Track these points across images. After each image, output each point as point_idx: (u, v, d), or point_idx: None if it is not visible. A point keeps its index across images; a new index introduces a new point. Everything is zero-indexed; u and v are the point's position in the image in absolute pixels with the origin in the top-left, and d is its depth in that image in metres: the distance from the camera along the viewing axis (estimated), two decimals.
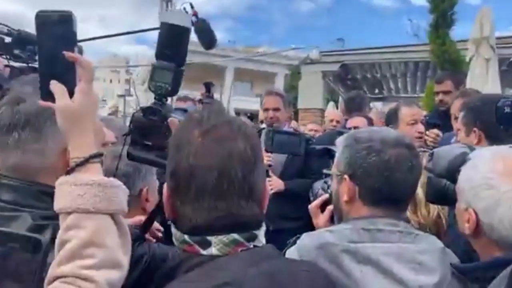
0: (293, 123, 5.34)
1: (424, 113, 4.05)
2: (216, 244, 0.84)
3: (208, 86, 6.57)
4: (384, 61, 8.92)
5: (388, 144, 1.27)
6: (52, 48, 0.91)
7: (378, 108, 9.58)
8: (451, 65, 6.25)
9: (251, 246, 0.86)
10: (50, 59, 0.92)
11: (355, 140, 1.32)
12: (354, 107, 4.00)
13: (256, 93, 24.68)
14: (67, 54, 0.91)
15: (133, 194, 1.23)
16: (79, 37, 0.96)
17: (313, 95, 8.79)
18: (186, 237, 0.86)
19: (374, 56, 8.85)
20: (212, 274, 0.79)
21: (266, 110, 3.29)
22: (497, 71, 5.97)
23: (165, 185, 0.92)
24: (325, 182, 1.69)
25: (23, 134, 0.97)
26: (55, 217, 0.86)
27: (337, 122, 4.92)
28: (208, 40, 1.81)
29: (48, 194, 0.92)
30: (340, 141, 1.39)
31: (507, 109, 1.52)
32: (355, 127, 3.24)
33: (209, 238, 0.84)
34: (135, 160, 1.17)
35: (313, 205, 1.61)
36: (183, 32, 1.15)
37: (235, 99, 23.50)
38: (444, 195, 1.36)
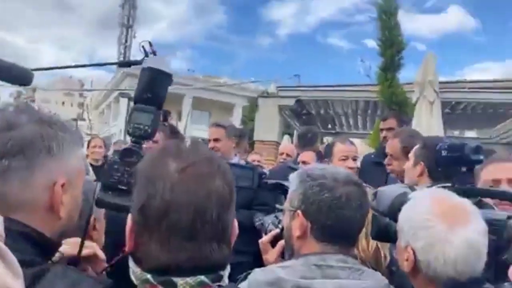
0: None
1: (356, 149, 4.20)
2: (182, 286, 0.80)
3: (165, 115, 6.55)
4: (337, 99, 9.27)
5: (339, 182, 1.33)
6: None
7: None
8: (398, 106, 6.61)
9: (216, 286, 0.83)
10: None
11: (308, 176, 1.36)
12: (306, 142, 4.13)
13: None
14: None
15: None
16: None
17: (269, 128, 8.94)
18: (149, 276, 0.80)
19: (328, 93, 9.18)
20: None
21: (209, 140, 3.42)
22: (440, 113, 6.35)
23: (129, 217, 0.87)
24: (276, 217, 1.73)
25: (13, 163, 0.89)
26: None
27: (287, 155, 4.98)
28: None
29: (26, 236, 0.86)
30: (294, 177, 1.43)
31: (444, 153, 1.62)
32: (304, 162, 3.36)
33: (174, 279, 0.80)
34: (107, 208, 1.11)
35: (264, 240, 1.62)
36: (166, 78, 1.18)
37: (193, 127, 23.37)
38: (387, 233, 1.42)
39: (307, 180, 1.36)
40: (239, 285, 1.25)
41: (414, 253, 1.21)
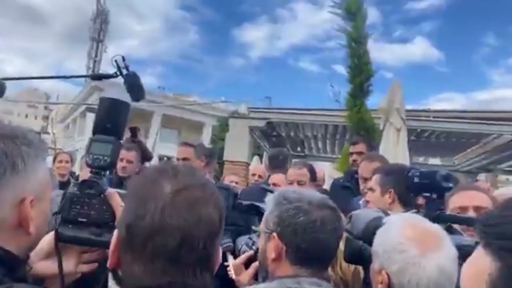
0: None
1: (302, 173, 4.17)
2: None
3: (134, 131, 6.44)
4: (307, 122, 9.40)
5: (314, 206, 1.35)
6: None
7: None
8: (366, 131, 6.77)
9: None
10: None
11: (285, 199, 1.38)
12: (276, 164, 4.15)
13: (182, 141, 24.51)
14: None
15: None
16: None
17: (239, 148, 8.93)
18: None
19: (298, 116, 9.30)
20: None
21: (177, 159, 3.42)
22: (406, 140, 6.54)
23: (115, 234, 0.85)
24: (250, 238, 1.72)
25: None
26: None
27: (260, 176, 5.00)
28: (136, 93, 1.85)
29: None
30: (270, 199, 1.44)
31: (416, 179, 1.66)
32: (274, 184, 3.38)
33: None
34: (67, 242, 1.07)
35: (237, 262, 1.62)
36: (125, 108, 1.18)
37: (161, 145, 23.09)
38: (360, 256, 1.45)
39: (283, 203, 1.37)
40: None
41: (388, 276, 1.24)
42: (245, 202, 1.89)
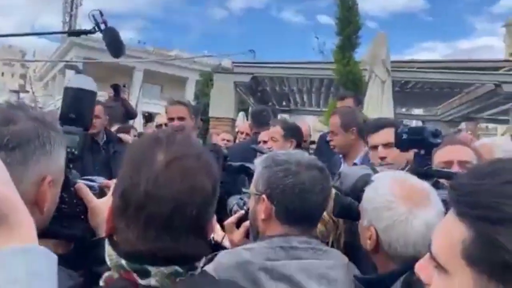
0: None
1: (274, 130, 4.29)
2: (156, 275, 0.81)
3: (117, 89, 6.31)
4: (292, 76, 9.33)
5: (303, 167, 1.36)
6: None
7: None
8: (353, 84, 6.77)
9: (188, 275, 0.84)
10: None
11: (273, 161, 1.39)
12: (260, 120, 4.14)
13: (166, 97, 24.19)
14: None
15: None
16: None
17: (225, 105, 8.87)
18: (123, 262, 0.81)
19: (283, 70, 9.21)
20: None
21: (171, 119, 3.26)
22: (391, 92, 6.58)
23: (110, 199, 0.87)
24: (241, 199, 1.75)
25: (9, 157, 0.88)
26: None
27: (247, 134, 4.96)
28: (116, 49, 1.78)
29: None
30: (259, 162, 1.45)
31: (404, 136, 1.66)
32: (265, 141, 3.39)
33: (149, 268, 0.81)
34: (38, 236, 1.08)
35: (229, 222, 1.65)
36: (90, 96, 1.14)
37: (144, 102, 22.78)
38: (348, 212, 1.48)
39: (272, 165, 1.38)
40: (206, 267, 1.28)
41: (376, 232, 1.27)
42: (235, 164, 1.90)
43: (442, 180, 1.50)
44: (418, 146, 1.61)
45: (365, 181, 1.41)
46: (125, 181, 0.84)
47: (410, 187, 1.29)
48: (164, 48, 34.78)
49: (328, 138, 3.12)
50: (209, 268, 1.26)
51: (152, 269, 0.81)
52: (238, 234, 1.59)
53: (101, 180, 1.21)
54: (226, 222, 1.65)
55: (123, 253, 0.83)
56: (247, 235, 1.57)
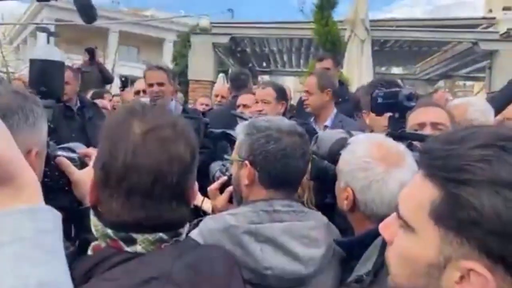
0: (179, 96, 5.28)
1: (265, 93, 4.44)
2: (142, 242, 0.83)
3: (92, 53, 6.13)
4: (272, 37, 9.20)
5: (284, 133, 1.39)
6: None
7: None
8: (332, 45, 6.73)
9: (173, 241, 0.87)
10: None
11: (255, 128, 1.41)
12: (239, 83, 4.11)
13: (143, 59, 23.66)
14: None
15: None
16: None
17: (203, 67, 8.73)
18: (109, 231, 0.84)
19: (263, 30, 9.06)
20: (138, 270, 0.79)
21: (150, 85, 3.22)
22: (370, 51, 6.58)
23: (91, 170, 0.88)
24: (223, 165, 1.77)
25: None
26: None
27: (222, 97, 4.91)
28: (88, 14, 1.72)
29: None
30: (240, 128, 1.47)
31: (380, 100, 1.68)
32: (244, 105, 3.38)
33: (134, 235, 0.83)
34: None
35: (212, 187, 1.68)
36: (58, 66, 1.11)
37: (121, 64, 22.22)
38: (325, 174, 1.53)
39: (253, 132, 1.40)
40: (192, 232, 1.31)
41: (353, 192, 1.32)
42: (216, 131, 1.91)
43: (415, 142, 1.54)
44: (393, 110, 1.63)
45: (341, 144, 1.44)
46: (104, 154, 0.85)
47: (386, 149, 1.32)
48: (139, 8, 33.51)
49: (303, 97, 3.18)
50: (194, 233, 1.30)
51: (138, 237, 0.84)
52: (222, 199, 1.62)
53: (79, 146, 1.21)
54: (209, 188, 1.68)
55: (108, 223, 0.85)
56: (230, 200, 1.60)
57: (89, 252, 0.91)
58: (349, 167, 1.34)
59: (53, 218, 0.68)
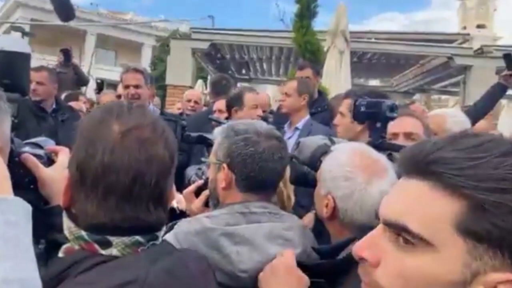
0: (156, 100, 5.22)
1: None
2: (117, 245, 0.81)
3: (67, 54, 5.99)
4: (252, 44, 9.22)
5: (262, 136, 1.37)
6: None
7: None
8: (311, 54, 6.79)
9: (150, 245, 0.85)
10: None
11: (233, 131, 1.39)
12: (219, 89, 4.10)
13: (121, 63, 23.38)
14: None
15: None
16: None
17: (182, 72, 8.66)
18: (84, 233, 0.81)
19: (243, 38, 9.07)
20: (114, 274, 0.76)
21: (126, 87, 3.22)
22: (349, 63, 6.66)
23: (66, 172, 0.85)
24: (199, 168, 1.75)
25: None
26: None
27: (195, 102, 4.84)
28: (65, 13, 1.66)
29: None
30: (219, 131, 1.45)
31: (362, 108, 1.69)
32: (220, 110, 3.37)
33: (110, 238, 0.81)
34: None
35: (188, 191, 1.65)
36: (22, 58, 1.05)
37: (97, 67, 21.91)
38: (305, 179, 1.53)
39: (232, 134, 1.39)
40: (166, 235, 1.27)
41: (334, 200, 1.30)
42: (193, 134, 1.88)
43: (394, 153, 1.55)
44: (374, 119, 1.65)
45: (323, 151, 1.43)
46: (80, 153, 0.82)
47: (368, 158, 1.31)
48: (118, 11, 33.17)
49: (280, 99, 3.33)
50: (169, 236, 1.27)
51: (113, 239, 0.81)
52: (198, 202, 1.60)
53: (47, 142, 1.15)
54: (185, 192, 1.65)
55: (83, 225, 0.82)
56: (206, 204, 1.57)
57: (60, 254, 0.87)
58: (331, 175, 1.32)
59: (23, 211, 0.65)
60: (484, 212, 0.57)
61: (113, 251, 0.80)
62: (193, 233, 1.26)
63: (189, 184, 1.69)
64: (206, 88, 9.01)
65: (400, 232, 0.63)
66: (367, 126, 2.39)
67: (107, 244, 0.81)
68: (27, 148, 1.06)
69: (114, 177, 0.79)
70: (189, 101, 4.90)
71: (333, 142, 1.52)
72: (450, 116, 2.29)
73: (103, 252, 0.80)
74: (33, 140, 1.11)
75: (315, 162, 1.45)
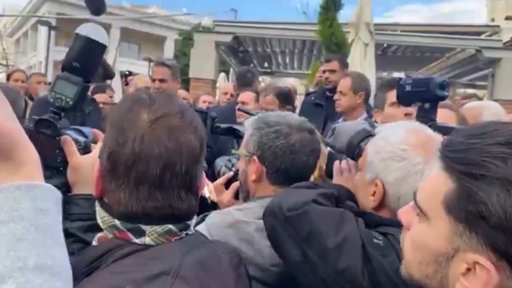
0: (182, 92, 5.25)
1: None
2: (150, 234, 0.81)
3: None
4: (275, 37, 9.17)
5: (294, 129, 1.36)
6: None
7: (266, 82, 9.88)
8: (337, 47, 6.70)
9: (183, 234, 0.85)
10: None
11: (264, 123, 1.38)
12: (245, 82, 4.10)
13: (144, 56, 23.60)
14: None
15: None
16: None
17: (205, 65, 8.69)
18: (117, 222, 0.82)
19: (266, 31, 9.02)
20: (148, 264, 0.76)
21: (153, 80, 3.27)
22: (373, 55, 6.55)
23: (93, 159, 0.85)
24: (229, 160, 1.74)
25: None
26: None
27: (231, 95, 4.93)
28: (96, 6, 1.69)
29: None
30: (249, 123, 1.44)
31: (407, 88, 1.48)
32: (243, 102, 3.36)
33: (143, 227, 0.81)
34: None
35: (217, 183, 1.65)
36: (99, 49, 1.07)
37: (120, 61, 22.17)
38: None
39: (263, 127, 1.38)
40: (198, 227, 1.28)
41: (383, 186, 1.14)
42: (222, 125, 1.88)
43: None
44: (422, 99, 1.46)
45: (362, 136, 1.30)
46: (111, 143, 0.82)
47: (426, 137, 1.13)
48: (141, 5, 33.47)
49: (335, 97, 3.17)
50: (200, 228, 1.27)
51: (146, 228, 0.82)
52: (227, 195, 1.59)
53: (90, 132, 1.17)
54: (214, 183, 1.66)
55: (116, 214, 0.82)
56: (236, 195, 1.57)
57: (94, 243, 0.88)
58: (380, 156, 1.14)
59: (54, 198, 0.65)
60: (461, 194, 0.63)
61: (146, 240, 0.81)
62: (225, 225, 1.26)
63: (219, 176, 1.70)
64: (227, 81, 9.02)
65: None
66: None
67: (140, 233, 0.81)
68: (70, 132, 1.07)
69: (145, 166, 0.79)
70: (226, 93, 4.98)
71: (373, 127, 1.40)
72: (487, 108, 2.22)
73: (137, 241, 0.81)
74: (78, 127, 1.13)
75: (353, 149, 1.31)
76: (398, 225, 0.84)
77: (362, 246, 1.04)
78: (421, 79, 1.48)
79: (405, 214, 0.78)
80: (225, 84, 5.99)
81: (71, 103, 1.05)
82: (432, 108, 1.44)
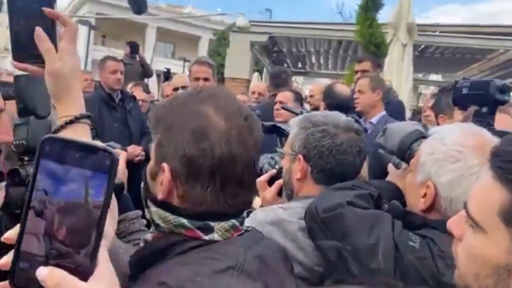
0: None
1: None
2: (218, 230, 0.83)
3: (134, 47, 6.26)
4: (310, 37, 9.13)
5: (340, 129, 1.35)
6: (28, 3, 0.83)
7: (299, 82, 9.85)
8: (376, 47, 6.61)
9: (243, 230, 0.88)
10: (26, 15, 0.83)
11: (310, 122, 1.38)
12: (280, 82, 4.10)
13: (179, 56, 23.97)
14: (47, 11, 0.83)
15: None
16: None
17: (240, 65, 8.75)
18: (185, 221, 0.82)
19: (301, 31, 9.00)
20: (214, 258, 0.78)
21: (196, 79, 3.26)
22: (411, 56, 6.42)
23: (164, 167, 0.83)
24: (272, 158, 1.75)
25: None
26: None
27: (259, 94, 4.90)
28: (138, 5, 1.73)
29: None
30: (295, 122, 1.44)
31: (464, 90, 1.43)
32: (281, 102, 3.36)
33: (211, 224, 0.83)
34: None
35: (261, 179, 1.66)
36: (37, 82, 1.04)
37: (156, 60, 22.60)
38: None
39: (309, 126, 1.37)
40: None
41: (435, 188, 1.10)
42: (266, 123, 1.90)
43: None
44: (480, 103, 1.41)
45: (416, 137, 1.27)
46: (188, 147, 0.80)
47: (484, 140, 1.08)
48: (176, 5, 33.96)
49: (354, 96, 3.26)
50: (245, 224, 1.29)
51: (215, 224, 0.83)
52: (270, 192, 1.59)
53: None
54: (258, 180, 1.66)
55: (186, 214, 0.82)
56: (279, 193, 1.58)
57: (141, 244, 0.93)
58: (434, 157, 1.11)
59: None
60: None
61: (215, 236, 0.83)
62: (269, 222, 1.27)
63: (261, 173, 1.71)
64: (261, 80, 9.04)
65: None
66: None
67: (209, 230, 0.82)
68: None
69: (231, 167, 0.81)
70: (253, 93, 4.99)
71: (426, 129, 1.37)
72: None
73: (206, 237, 0.82)
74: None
75: (405, 149, 1.28)
76: (444, 229, 0.81)
77: (395, 248, 1.04)
78: (479, 82, 1.44)
79: (455, 225, 0.76)
80: (254, 83, 5.97)
81: (26, 144, 1.05)
82: (489, 112, 1.39)
